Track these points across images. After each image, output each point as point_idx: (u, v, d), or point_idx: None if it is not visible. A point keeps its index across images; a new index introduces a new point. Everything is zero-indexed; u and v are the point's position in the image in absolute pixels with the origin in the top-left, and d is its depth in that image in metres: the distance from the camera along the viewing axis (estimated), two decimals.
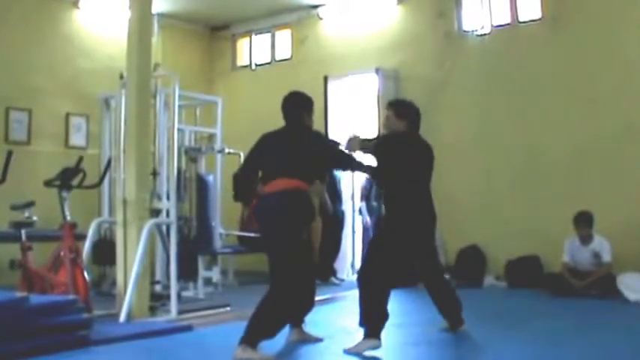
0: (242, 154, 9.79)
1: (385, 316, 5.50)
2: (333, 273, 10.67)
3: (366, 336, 5.47)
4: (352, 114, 11.86)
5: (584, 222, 8.81)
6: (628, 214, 9.09)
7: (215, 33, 13.55)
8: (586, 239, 8.85)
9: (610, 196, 9.20)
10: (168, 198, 7.69)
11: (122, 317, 6.72)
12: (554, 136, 9.77)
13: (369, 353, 5.38)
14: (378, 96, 10.81)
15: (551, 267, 9.39)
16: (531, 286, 9.34)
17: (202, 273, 9.02)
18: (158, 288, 8.08)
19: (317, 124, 11.18)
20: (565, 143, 9.67)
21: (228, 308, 7.76)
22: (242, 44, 13.48)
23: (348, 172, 11.34)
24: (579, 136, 9.56)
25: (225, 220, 9.99)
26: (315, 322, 6.85)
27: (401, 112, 6.13)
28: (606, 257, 8.74)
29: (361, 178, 11.77)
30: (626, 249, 8.83)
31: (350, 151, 6.17)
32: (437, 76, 10.78)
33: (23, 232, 7.08)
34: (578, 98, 9.63)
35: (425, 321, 6.77)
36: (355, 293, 8.64)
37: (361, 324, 5.57)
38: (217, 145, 9.49)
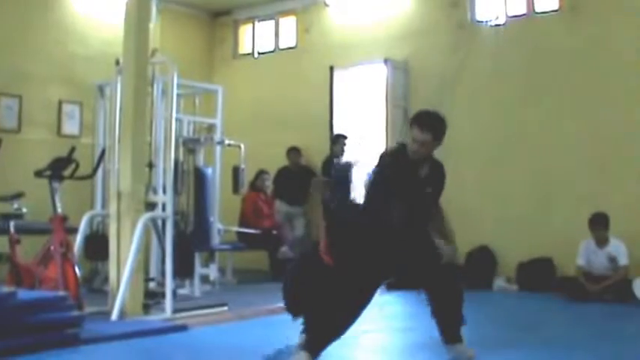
0: (243, 146, 9.85)
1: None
2: None
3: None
4: (359, 107, 11.86)
5: (599, 224, 8.79)
6: None
7: (216, 18, 13.54)
8: (602, 242, 8.84)
9: (627, 197, 9.18)
10: (164, 191, 7.68)
11: (114, 315, 6.72)
12: (570, 133, 9.73)
13: None
14: (387, 88, 10.79)
15: (565, 270, 9.38)
16: (543, 290, 9.33)
17: (199, 270, 8.99)
18: (152, 285, 8.08)
19: (321, 117, 11.29)
20: (582, 141, 9.65)
21: (225, 308, 7.74)
22: (244, 31, 13.47)
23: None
24: (597, 133, 9.53)
25: (223, 215, 9.98)
26: None
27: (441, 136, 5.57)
28: (623, 260, 8.73)
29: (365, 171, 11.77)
30: None
31: None
32: (449, 69, 10.74)
33: (12, 224, 7.10)
34: (596, 93, 9.60)
35: (430, 325, 6.74)
36: None
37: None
38: (217, 137, 9.46)
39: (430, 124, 5.51)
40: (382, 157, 5.31)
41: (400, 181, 5.09)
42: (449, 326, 5.33)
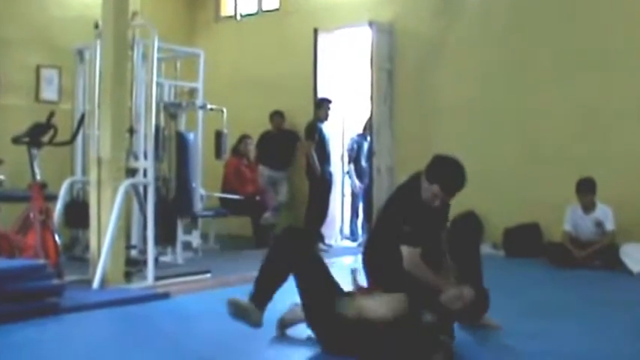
0: (225, 111, 9.82)
1: None
2: (321, 239, 10.68)
3: None
4: (343, 70, 11.83)
5: (586, 189, 8.82)
6: (632, 181, 9.10)
7: None
8: (588, 207, 8.88)
9: (615, 163, 9.21)
10: (145, 157, 7.65)
11: (95, 283, 6.71)
12: (557, 99, 9.73)
13: None
14: (372, 51, 10.75)
15: (552, 236, 9.42)
16: (530, 256, 9.38)
17: (181, 237, 9.00)
18: (134, 253, 8.09)
19: (305, 80, 11.26)
20: (569, 107, 9.64)
21: (208, 275, 7.76)
22: None
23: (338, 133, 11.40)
24: (584, 99, 9.53)
25: (206, 181, 9.95)
26: None
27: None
28: (609, 226, 8.78)
29: (348, 137, 11.79)
30: (629, 218, 8.87)
31: None
32: (434, 31, 10.72)
33: None
34: (584, 59, 9.58)
35: None
36: (343, 260, 8.72)
37: None
38: (199, 101, 9.41)
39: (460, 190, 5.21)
40: (418, 187, 5.19)
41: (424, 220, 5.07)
42: None
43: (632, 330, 5.43)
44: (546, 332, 5.19)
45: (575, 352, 4.49)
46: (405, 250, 4.86)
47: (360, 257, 5.62)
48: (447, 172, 5.10)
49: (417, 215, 5.00)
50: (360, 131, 11.54)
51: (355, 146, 11.46)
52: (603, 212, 8.82)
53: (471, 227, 5.64)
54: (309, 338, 4.85)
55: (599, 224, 8.82)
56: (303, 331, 4.96)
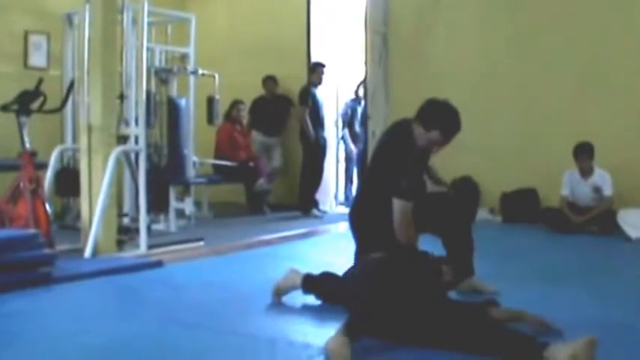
0: (217, 76, 9.78)
1: None
2: (315, 205, 10.70)
3: None
4: (337, 34, 11.77)
5: (584, 153, 8.83)
6: (631, 146, 9.12)
7: None
8: (586, 172, 8.89)
9: (613, 127, 9.21)
10: (136, 123, 7.64)
11: (87, 252, 6.71)
12: (554, 63, 9.71)
13: None
14: (366, 14, 10.70)
15: (549, 201, 9.44)
16: (527, 221, 9.41)
17: (174, 205, 9.00)
18: (126, 221, 8.08)
19: (298, 44, 11.20)
20: (568, 71, 9.63)
21: (201, 243, 7.77)
22: None
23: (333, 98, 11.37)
24: (581, 62, 9.52)
25: (198, 147, 9.94)
26: (295, 257, 6.90)
27: None
28: (607, 191, 8.79)
29: (343, 102, 11.78)
30: (628, 184, 8.89)
31: None
32: None
33: None
34: (582, 21, 9.55)
35: None
36: (338, 227, 8.73)
37: None
38: (190, 66, 9.38)
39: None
40: (410, 135, 5.08)
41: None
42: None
43: (630, 296, 5.45)
44: (544, 298, 5.21)
45: (574, 317, 4.50)
46: (397, 203, 4.73)
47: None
48: (446, 116, 5.09)
49: (412, 164, 4.91)
50: (353, 95, 11.52)
51: (349, 111, 11.44)
52: (601, 177, 8.83)
53: (470, 193, 5.54)
54: (303, 304, 4.87)
55: (597, 189, 8.83)
56: (298, 298, 4.98)
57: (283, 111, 11.49)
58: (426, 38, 10.69)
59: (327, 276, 5.02)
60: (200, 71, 9.39)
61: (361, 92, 11.44)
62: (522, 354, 3.65)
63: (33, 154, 6.79)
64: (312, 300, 4.97)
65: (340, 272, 4.92)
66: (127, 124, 7.72)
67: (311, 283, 4.99)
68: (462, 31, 10.46)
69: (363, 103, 11.09)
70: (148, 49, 8.18)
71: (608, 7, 9.38)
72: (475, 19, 10.39)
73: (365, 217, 5.12)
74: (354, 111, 11.40)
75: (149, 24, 8.32)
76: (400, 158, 4.90)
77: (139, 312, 4.96)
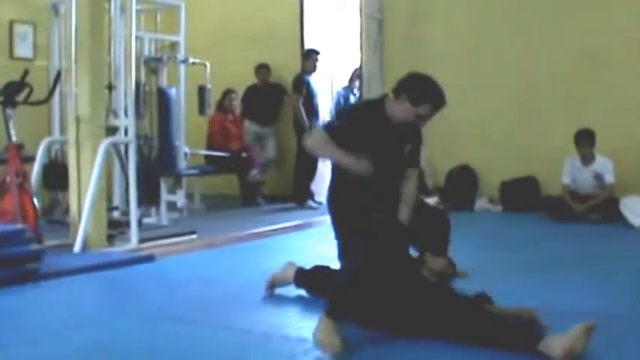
0: (208, 65, 9.75)
1: None
2: (310, 196, 10.68)
3: None
4: (331, 20, 11.74)
5: (585, 140, 8.83)
6: (633, 133, 9.11)
7: None
8: (587, 159, 8.89)
9: (614, 114, 9.22)
10: (126, 114, 7.59)
11: (77, 247, 6.69)
12: (554, 48, 9.72)
13: None
14: (361, 1, 10.68)
15: (550, 189, 9.45)
16: (528, 210, 9.42)
17: (165, 197, 8.99)
18: (116, 214, 8.05)
19: (292, 31, 11.18)
20: (567, 56, 9.63)
21: (194, 236, 7.74)
22: None
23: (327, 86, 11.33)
24: (582, 47, 9.52)
25: (190, 138, 9.90)
26: (290, 249, 6.90)
27: None
28: (609, 178, 8.79)
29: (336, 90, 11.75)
30: (630, 170, 8.90)
31: None
32: None
33: None
34: (581, 4, 9.55)
35: None
36: None
37: None
38: (180, 55, 9.36)
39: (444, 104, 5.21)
40: (356, 108, 5.18)
41: (375, 138, 4.99)
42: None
43: (634, 286, 5.45)
44: (546, 287, 5.22)
45: (576, 307, 4.50)
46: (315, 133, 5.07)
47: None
48: (433, 90, 5.25)
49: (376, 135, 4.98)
50: (346, 83, 11.49)
51: (342, 100, 11.41)
52: (603, 164, 8.83)
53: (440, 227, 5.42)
54: (298, 298, 4.87)
55: (598, 177, 8.84)
56: (292, 292, 4.98)
57: (277, 100, 11.47)
58: (422, 24, 10.67)
59: (319, 269, 5.03)
60: (191, 60, 9.36)
61: (356, 80, 11.39)
62: (518, 344, 3.70)
63: (19, 146, 6.76)
64: (305, 294, 4.97)
65: (333, 265, 4.92)
66: (116, 115, 7.68)
67: (302, 277, 5.01)
68: (458, 16, 10.44)
69: (356, 91, 11.06)
70: (136, 37, 8.12)
71: None
72: (471, 5, 10.37)
73: (337, 194, 5.27)
74: (346, 100, 11.36)
75: (138, 12, 8.27)
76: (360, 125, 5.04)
77: (130, 308, 4.96)
